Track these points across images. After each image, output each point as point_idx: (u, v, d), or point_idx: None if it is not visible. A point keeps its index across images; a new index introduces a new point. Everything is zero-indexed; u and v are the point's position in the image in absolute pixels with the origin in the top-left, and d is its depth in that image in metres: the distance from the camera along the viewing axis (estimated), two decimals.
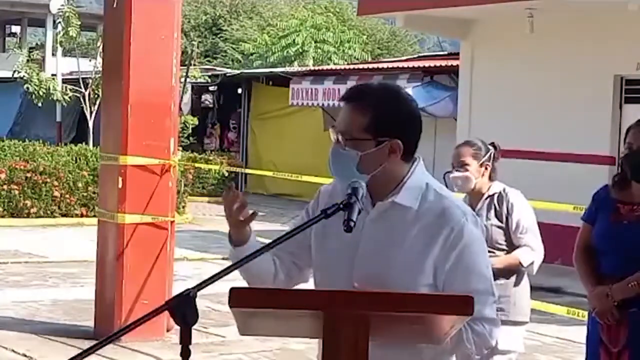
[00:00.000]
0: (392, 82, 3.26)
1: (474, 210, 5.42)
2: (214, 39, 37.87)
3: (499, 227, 5.50)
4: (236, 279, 2.87)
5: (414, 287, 2.93)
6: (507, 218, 5.50)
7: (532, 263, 5.48)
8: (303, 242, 3.16)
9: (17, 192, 16.81)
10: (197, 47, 32.03)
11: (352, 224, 2.71)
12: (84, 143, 21.12)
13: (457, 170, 5.59)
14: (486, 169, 5.59)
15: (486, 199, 5.57)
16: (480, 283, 2.99)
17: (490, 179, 5.63)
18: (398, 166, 3.03)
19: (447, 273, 2.97)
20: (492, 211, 5.53)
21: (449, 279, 2.97)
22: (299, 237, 2.98)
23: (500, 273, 5.31)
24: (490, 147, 5.68)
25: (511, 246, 5.51)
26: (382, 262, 3.00)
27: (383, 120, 2.97)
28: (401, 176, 3.03)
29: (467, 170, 5.55)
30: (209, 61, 35.44)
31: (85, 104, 23.44)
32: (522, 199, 5.61)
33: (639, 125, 4.84)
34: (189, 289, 2.48)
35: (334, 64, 29.43)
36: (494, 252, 5.36)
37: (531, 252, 5.48)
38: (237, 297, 2.46)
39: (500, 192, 5.57)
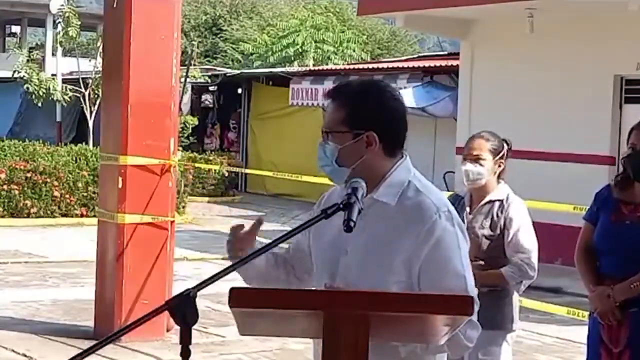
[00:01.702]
0: (381, 80, 3.24)
1: (471, 209, 5.28)
2: (214, 39, 37.87)
3: (489, 237, 5.18)
4: (236, 279, 2.87)
5: (383, 285, 2.92)
6: (502, 231, 5.17)
7: (520, 283, 5.19)
8: (302, 243, 3.19)
9: (17, 192, 16.79)
10: (197, 47, 32.05)
11: (352, 224, 2.70)
12: (84, 143, 21.10)
13: (470, 163, 5.19)
14: (499, 166, 5.24)
15: (487, 202, 5.23)
16: (454, 281, 2.95)
17: (500, 177, 5.28)
18: (380, 161, 3.05)
19: (420, 270, 2.95)
20: (489, 220, 5.20)
21: (423, 276, 2.96)
22: (299, 237, 2.98)
23: (483, 284, 4.92)
24: (504, 144, 5.32)
25: (504, 256, 5.19)
26: (356, 260, 3.01)
27: (358, 113, 3.03)
28: (384, 172, 3.05)
29: (482, 165, 5.18)
30: (209, 61, 35.44)
31: (85, 104, 23.42)
32: (524, 213, 5.24)
33: None
34: (189, 289, 2.47)
35: (334, 64, 29.43)
36: (477, 261, 5.00)
37: (519, 272, 5.15)
38: (237, 297, 2.46)
39: (502, 201, 5.21)
